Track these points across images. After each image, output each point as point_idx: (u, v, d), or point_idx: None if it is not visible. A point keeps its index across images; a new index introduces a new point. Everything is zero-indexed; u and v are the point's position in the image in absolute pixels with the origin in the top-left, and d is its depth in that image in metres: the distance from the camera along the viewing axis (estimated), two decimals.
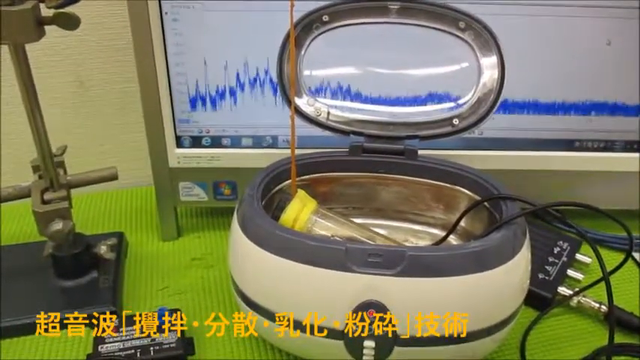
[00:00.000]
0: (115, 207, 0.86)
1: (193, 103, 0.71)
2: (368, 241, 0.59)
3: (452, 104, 0.65)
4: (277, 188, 0.62)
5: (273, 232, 0.51)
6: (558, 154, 0.71)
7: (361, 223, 0.63)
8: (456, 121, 0.64)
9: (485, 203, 0.58)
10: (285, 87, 0.65)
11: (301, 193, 0.59)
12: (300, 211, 0.57)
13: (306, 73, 0.66)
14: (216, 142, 0.73)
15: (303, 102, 0.66)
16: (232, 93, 0.70)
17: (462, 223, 0.61)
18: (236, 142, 0.74)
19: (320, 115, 0.65)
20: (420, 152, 0.64)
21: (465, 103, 0.65)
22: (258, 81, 0.70)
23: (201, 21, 0.66)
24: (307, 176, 0.64)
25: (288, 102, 0.66)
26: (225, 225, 0.81)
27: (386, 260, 0.47)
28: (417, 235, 0.66)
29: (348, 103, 0.67)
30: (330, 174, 0.65)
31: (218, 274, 0.72)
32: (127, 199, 0.88)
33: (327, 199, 0.66)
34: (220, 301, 0.67)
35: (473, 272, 0.47)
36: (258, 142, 0.74)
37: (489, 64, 0.64)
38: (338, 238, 0.58)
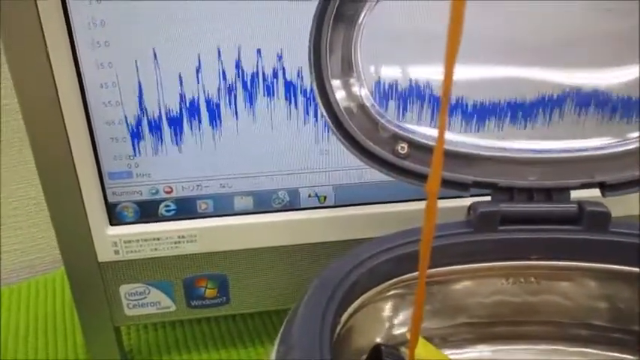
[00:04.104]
0: (15, 312, 0.50)
1: (136, 137, 0.37)
2: None
3: None
4: (350, 312, 0.29)
5: None
6: None
7: None
8: None
9: None
10: (330, 94, 0.32)
11: (420, 344, 0.26)
12: None
13: (371, 72, 0.33)
14: (186, 209, 0.39)
15: (369, 127, 0.33)
16: (212, 111, 0.36)
17: None
18: (224, 205, 0.40)
19: (404, 150, 0.33)
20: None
21: None
22: (262, 81, 0.36)
23: None
24: (398, 278, 0.31)
25: (333, 120, 0.32)
26: (214, 341, 0.47)
27: None
28: None
29: (452, 133, 0.34)
30: (442, 269, 0.32)
31: None
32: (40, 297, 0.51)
33: (431, 315, 0.34)
34: None
35: None
36: (263, 203, 0.40)
37: None
38: None
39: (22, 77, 0.33)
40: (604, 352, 0.35)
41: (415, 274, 0.30)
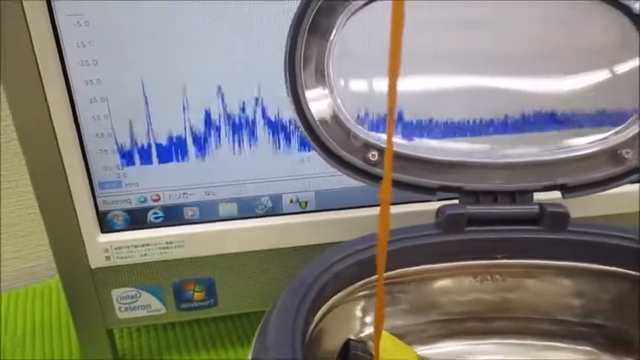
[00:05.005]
0: (13, 317, 0.52)
1: (126, 150, 0.39)
2: None
3: (612, 127, 0.36)
4: (330, 305, 0.31)
5: None
6: None
7: None
8: (626, 153, 0.35)
9: None
10: (303, 105, 0.34)
11: (386, 338, 0.28)
12: None
13: (342, 84, 0.35)
14: (173, 216, 0.41)
15: (342, 136, 0.35)
16: (197, 144, 0.39)
17: None
18: (209, 212, 0.42)
19: (374, 157, 0.35)
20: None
21: (636, 120, 0.35)
22: (243, 115, 0.38)
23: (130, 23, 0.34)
24: (370, 278, 0.33)
25: (307, 130, 0.34)
26: (205, 343, 0.49)
27: None
28: None
29: (421, 139, 0.36)
30: (410, 269, 0.34)
31: None
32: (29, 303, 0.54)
33: (404, 313, 0.35)
34: None
35: None
36: (247, 209, 0.42)
37: None
38: None
39: (16, 96, 0.35)
40: (572, 346, 0.37)
41: (370, 279, 0.32)
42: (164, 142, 0.38)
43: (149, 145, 0.38)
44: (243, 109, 0.38)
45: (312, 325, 0.29)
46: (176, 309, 0.44)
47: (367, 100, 0.35)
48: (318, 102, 0.34)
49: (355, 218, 0.43)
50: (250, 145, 0.40)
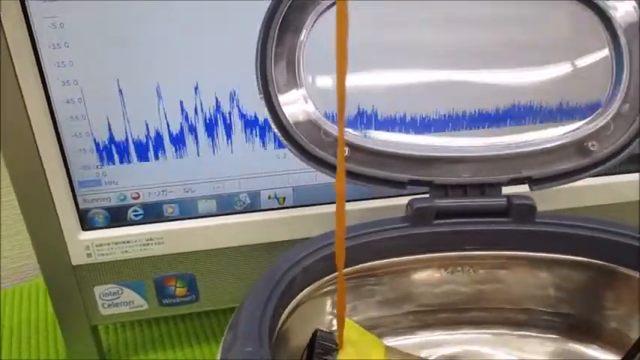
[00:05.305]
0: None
1: (105, 150, 0.39)
2: None
3: (579, 119, 0.36)
4: (300, 300, 0.31)
5: None
6: None
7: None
8: (592, 145, 0.36)
9: None
10: (275, 103, 0.34)
11: (351, 327, 0.29)
12: None
13: (311, 80, 0.35)
14: (153, 213, 0.42)
15: (313, 132, 0.36)
16: (175, 141, 0.39)
17: None
18: (188, 209, 0.42)
19: (345, 153, 0.35)
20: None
21: (603, 113, 0.36)
22: (217, 112, 0.39)
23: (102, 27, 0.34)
24: (332, 275, 0.34)
25: (279, 127, 0.35)
26: (189, 338, 0.50)
27: None
28: (542, 352, 0.37)
29: (391, 133, 0.37)
30: (381, 262, 0.35)
31: None
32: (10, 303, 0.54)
33: (377, 305, 0.36)
34: None
35: None
36: (226, 205, 0.43)
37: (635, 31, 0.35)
38: None
39: None
40: (541, 335, 0.37)
41: (348, 269, 0.33)
42: (142, 139, 0.39)
43: (127, 144, 0.39)
44: (218, 106, 0.39)
45: (283, 319, 0.30)
46: (158, 305, 0.45)
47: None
48: (290, 99, 0.35)
49: (333, 213, 0.43)
50: (227, 142, 0.40)
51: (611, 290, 0.35)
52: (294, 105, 0.35)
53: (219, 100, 0.39)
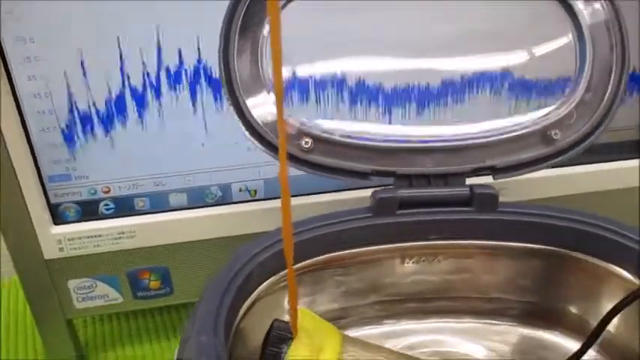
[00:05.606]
0: None
1: (70, 140, 0.40)
2: None
3: (543, 108, 0.37)
4: (258, 294, 0.32)
5: None
6: None
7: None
8: (555, 134, 0.36)
9: None
10: (238, 95, 0.35)
11: (307, 316, 0.29)
12: None
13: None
14: (124, 207, 0.42)
15: (275, 123, 0.36)
16: (139, 101, 0.39)
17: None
18: (160, 202, 0.43)
19: (308, 144, 0.35)
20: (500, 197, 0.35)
21: (567, 101, 0.36)
22: (185, 77, 0.39)
23: None
24: (305, 262, 0.34)
25: (245, 124, 0.35)
26: (166, 331, 0.50)
27: None
28: (506, 341, 0.37)
29: (356, 123, 0.37)
30: (345, 252, 0.35)
31: None
32: None
33: (342, 295, 0.36)
34: None
35: None
36: (197, 198, 0.43)
37: (599, 21, 0.35)
38: None
39: None
40: (507, 323, 0.38)
41: (304, 263, 0.33)
42: (102, 109, 0.39)
43: (92, 122, 0.39)
44: (180, 61, 0.39)
45: (242, 313, 0.30)
46: (133, 298, 0.45)
47: (300, 87, 0.36)
48: (252, 90, 0.35)
49: (304, 205, 0.44)
50: (192, 117, 0.40)
51: (572, 277, 0.35)
52: (257, 97, 0.35)
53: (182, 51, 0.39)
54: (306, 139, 0.35)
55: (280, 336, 0.28)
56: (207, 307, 0.28)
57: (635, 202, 0.46)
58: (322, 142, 0.35)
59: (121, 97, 0.39)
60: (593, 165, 0.46)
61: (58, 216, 0.42)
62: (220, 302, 0.28)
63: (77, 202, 0.42)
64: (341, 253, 0.35)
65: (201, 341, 0.26)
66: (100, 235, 0.42)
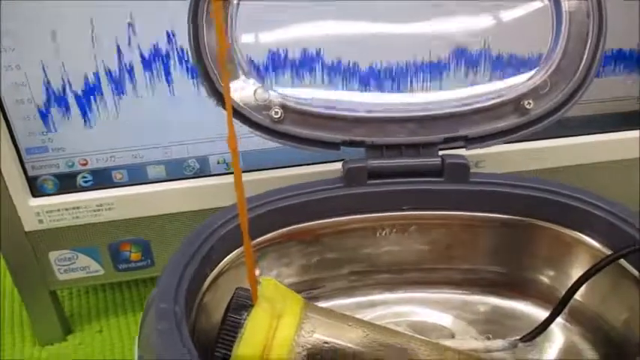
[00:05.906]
0: None
1: (45, 113, 0.40)
2: None
3: (518, 76, 0.36)
4: (222, 267, 0.32)
5: None
6: None
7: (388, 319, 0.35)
8: (528, 104, 0.35)
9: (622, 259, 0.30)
10: (209, 70, 0.34)
11: (268, 284, 0.29)
12: (273, 330, 0.28)
13: (246, 40, 0.35)
14: (102, 179, 0.42)
15: (246, 94, 0.36)
16: (116, 82, 0.39)
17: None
18: (138, 175, 0.43)
19: (277, 114, 0.35)
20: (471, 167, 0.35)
21: (541, 70, 0.36)
22: (158, 57, 0.39)
23: None
24: (275, 232, 0.34)
25: (217, 97, 0.35)
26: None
27: None
28: (476, 311, 0.37)
29: (328, 93, 0.37)
30: (315, 222, 0.35)
31: None
32: None
33: (314, 266, 0.37)
34: None
35: None
36: (175, 171, 0.43)
37: None
38: None
39: None
40: (479, 294, 0.38)
41: (268, 235, 0.33)
42: (78, 89, 0.39)
43: (66, 100, 0.39)
44: (156, 47, 0.39)
45: (207, 285, 0.30)
46: (114, 270, 0.46)
47: (272, 57, 0.36)
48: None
49: (282, 177, 0.44)
50: (168, 90, 0.40)
51: (542, 247, 0.35)
52: (228, 64, 0.35)
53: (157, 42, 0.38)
54: (276, 109, 0.35)
55: (240, 302, 0.28)
56: (169, 276, 0.28)
57: (635, 174, 0.46)
58: (293, 112, 0.35)
59: (95, 75, 0.39)
60: (596, 135, 0.45)
61: (36, 189, 0.42)
62: (183, 272, 0.28)
63: (55, 175, 0.42)
64: (311, 224, 0.35)
65: (161, 308, 0.27)
66: (78, 207, 0.42)
